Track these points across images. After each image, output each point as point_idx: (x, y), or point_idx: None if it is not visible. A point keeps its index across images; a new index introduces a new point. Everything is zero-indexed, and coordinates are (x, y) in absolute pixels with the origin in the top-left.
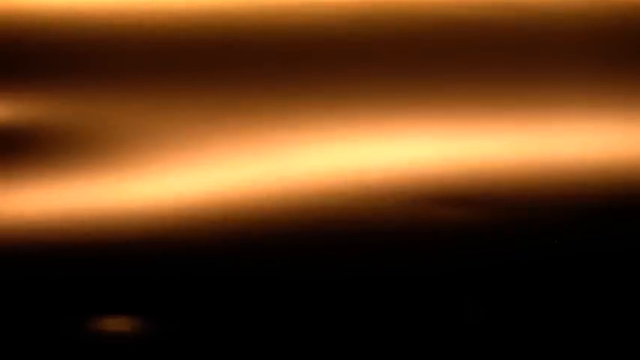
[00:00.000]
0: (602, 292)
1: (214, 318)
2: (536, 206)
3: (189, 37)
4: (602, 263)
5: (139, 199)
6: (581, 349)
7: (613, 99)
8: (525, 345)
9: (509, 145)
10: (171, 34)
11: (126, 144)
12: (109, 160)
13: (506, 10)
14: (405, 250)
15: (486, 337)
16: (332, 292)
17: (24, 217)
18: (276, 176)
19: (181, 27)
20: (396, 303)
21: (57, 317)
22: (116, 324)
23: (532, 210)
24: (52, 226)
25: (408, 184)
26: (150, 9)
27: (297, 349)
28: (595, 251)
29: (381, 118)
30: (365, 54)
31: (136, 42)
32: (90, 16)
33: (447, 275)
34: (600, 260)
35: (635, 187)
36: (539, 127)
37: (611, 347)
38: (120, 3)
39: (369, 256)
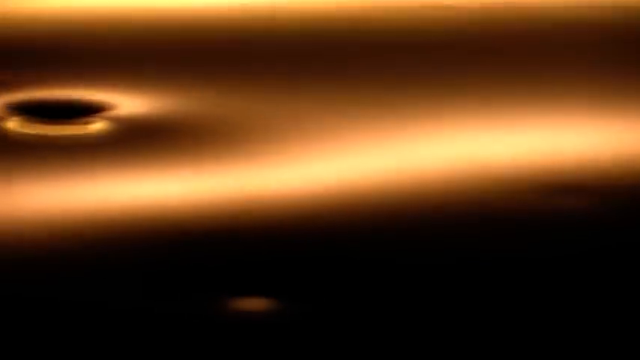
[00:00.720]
0: None
1: (348, 300)
2: None
3: (323, 31)
4: None
5: (280, 186)
6: None
7: None
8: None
9: (620, 136)
10: (305, 30)
11: (269, 133)
12: (253, 148)
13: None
14: (522, 235)
15: (595, 319)
16: (454, 275)
17: (173, 201)
18: (403, 165)
19: (315, 24)
20: (514, 286)
21: (199, 298)
22: (254, 305)
23: None
24: (199, 211)
25: (525, 172)
26: (280, 8)
27: (426, 330)
28: None
29: (500, 110)
30: (482, 49)
31: (273, 36)
32: (227, 18)
33: (559, 259)
34: None
35: None
36: None
37: None
38: (248, 4)
39: (488, 241)
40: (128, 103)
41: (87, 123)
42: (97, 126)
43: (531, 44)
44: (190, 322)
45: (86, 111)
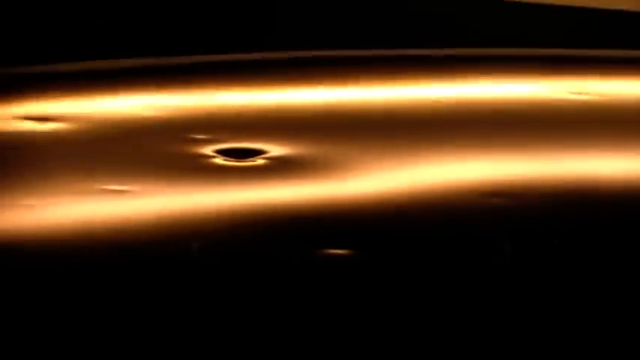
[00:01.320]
0: None
1: None
2: None
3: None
4: None
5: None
6: None
7: None
8: None
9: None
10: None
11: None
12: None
13: None
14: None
15: None
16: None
17: None
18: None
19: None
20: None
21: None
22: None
23: None
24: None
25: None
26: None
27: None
28: None
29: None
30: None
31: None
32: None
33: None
34: None
35: None
36: None
37: None
38: None
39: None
40: (280, 148)
41: (254, 161)
42: (259, 162)
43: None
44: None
45: (253, 153)
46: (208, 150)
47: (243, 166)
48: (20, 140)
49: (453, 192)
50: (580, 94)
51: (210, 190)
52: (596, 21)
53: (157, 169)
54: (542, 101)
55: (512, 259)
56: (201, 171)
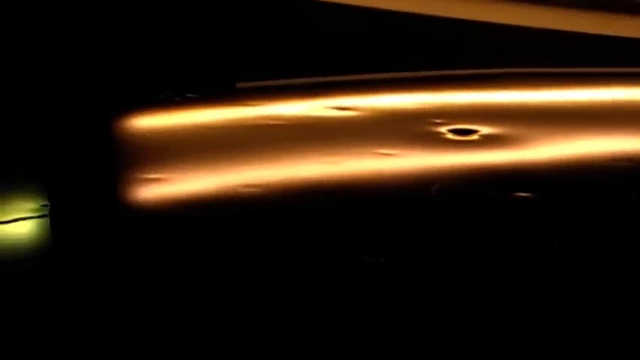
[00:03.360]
0: None
1: None
2: None
3: None
4: None
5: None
6: None
7: None
8: None
9: None
10: None
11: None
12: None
13: None
14: None
15: None
16: None
17: None
18: None
19: None
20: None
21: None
22: None
23: None
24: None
25: None
26: None
27: None
28: None
29: None
30: None
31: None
32: None
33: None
34: None
35: None
36: None
37: None
38: None
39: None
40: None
41: (471, 137)
42: (475, 137)
43: None
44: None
45: (470, 132)
46: (443, 129)
47: (464, 140)
48: (326, 122)
49: (599, 157)
50: None
51: (444, 154)
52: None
53: (411, 141)
54: None
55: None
56: (439, 143)
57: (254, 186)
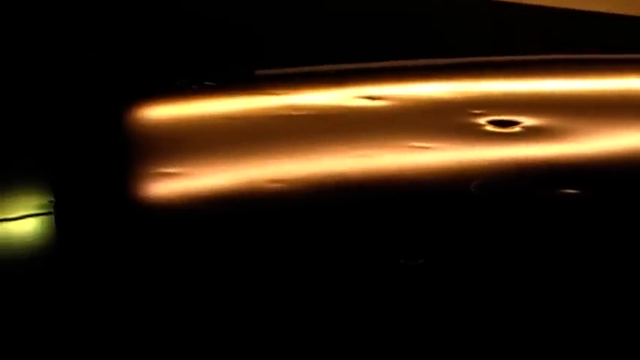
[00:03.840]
0: None
1: None
2: None
3: None
4: None
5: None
6: None
7: None
8: None
9: None
10: None
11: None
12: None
13: None
14: None
15: None
16: None
17: None
18: None
19: None
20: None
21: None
22: None
23: None
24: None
25: None
26: None
27: None
28: None
29: None
30: None
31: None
32: None
33: None
34: None
35: None
36: None
37: None
38: None
39: None
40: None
41: (513, 129)
42: (517, 129)
43: None
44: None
45: (513, 123)
46: (483, 120)
47: (506, 132)
48: (355, 113)
49: None
50: None
51: (483, 148)
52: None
53: (447, 134)
54: None
55: None
56: (478, 135)
57: (280, 181)
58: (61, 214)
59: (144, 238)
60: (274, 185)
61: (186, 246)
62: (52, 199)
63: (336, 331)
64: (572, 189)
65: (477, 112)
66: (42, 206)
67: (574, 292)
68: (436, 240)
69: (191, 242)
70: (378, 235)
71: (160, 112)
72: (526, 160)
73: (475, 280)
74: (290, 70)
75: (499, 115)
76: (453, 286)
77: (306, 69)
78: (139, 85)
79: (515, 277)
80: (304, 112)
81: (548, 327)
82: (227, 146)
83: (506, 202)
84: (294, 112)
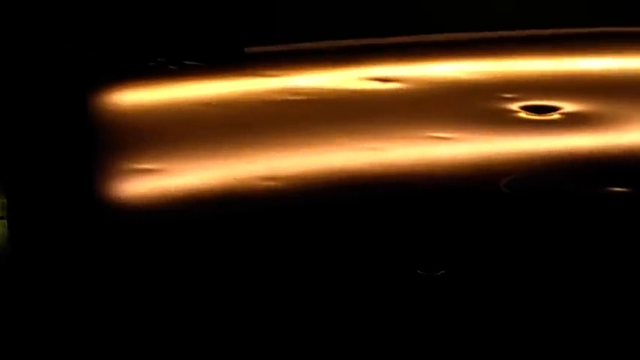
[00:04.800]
0: None
1: None
2: None
3: None
4: None
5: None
6: None
7: None
8: None
9: None
10: None
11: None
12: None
13: None
14: None
15: None
16: None
17: None
18: None
19: None
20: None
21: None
22: None
23: None
24: None
25: None
26: None
27: None
28: None
29: None
30: None
31: None
32: None
33: None
34: None
35: None
36: None
37: None
38: None
39: None
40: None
41: (551, 115)
42: (556, 116)
43: None
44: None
45: (551, 109)
46: (515, 106)
47: (542, 120)
48: (364, 98)
49: None
50: None
51: (516, 138)
52: None
53: (473, 122)
54: None
55: None
56: (509, 123)
57: (274, 179)
58: (15, 217)
59: (113, 244)
60: (267, 183)
61: (161, 254)
62: (5, 200)
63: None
64: (621, 187)
65: (508, 95)
66: None
67: (628, 306)
68: (459, 249)
69: (168, 250)
70: (390, 243)
71: (133, 99)
72: (567, 154)
73: (504, 300)
74: (286, 47)
75: (535, 99)
76: (477, 305)
77: (306, 45)
78: (105, 67)
79: (553, 296)
80: (303, 97)
81: (600, 344)
82: (212, 138)
83: (543, 204)
84: (290, 97)
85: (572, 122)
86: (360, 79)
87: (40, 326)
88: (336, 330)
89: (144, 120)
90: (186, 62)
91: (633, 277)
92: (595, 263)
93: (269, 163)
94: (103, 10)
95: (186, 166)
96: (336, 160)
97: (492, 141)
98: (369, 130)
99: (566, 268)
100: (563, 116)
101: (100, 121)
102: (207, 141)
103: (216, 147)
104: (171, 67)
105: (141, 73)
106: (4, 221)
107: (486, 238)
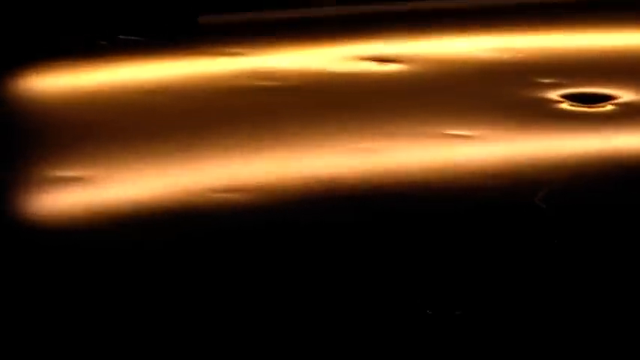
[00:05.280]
0: None
1: None
2: None
3: None
4: None
5: None
6: None
7: None
8: None
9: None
10: None
11: None
12: None
13: None
14: None
15: None
16: None
17: None
18: None
19: None
20: None
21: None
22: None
23: None
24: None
25: None
26: None
27: None
28: None
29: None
30: None
31: None
32: None
33: None
34: None
35: None
36: None
37: None
38: None
39: None
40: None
41: (603, 107)
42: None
43: None
44: None
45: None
46: (555, 95)
47: (590, 113)
48: (357, 83)
49: None
50: None
51: (556, 136)
52: None
53: (501, 115)
54: None
55: None
56: (548, 117)
57: (234, 190)
58: None
59: (24, 271)
60: (226, 196)
61: (82, 287)
62: None
63: None
64: None
65: (546, 81)
66: None
67: None
68: (480, 280)
69: (91, 283)
70: (391, 271)
71: (51, 86)
72: (620, 156)
73: (539, 340)
74: (253, 17)
75: (582, 86)
76: (502, 351)
77: (279, 14)
78: (15, 45)
79: (599, 331)
80: (275, 83)
81: None
82: (154, 137)
83: (590, 224)
84: (259, 83)
85: (630, 115)
86: (350, 58)
87: None
88: None
89: (65, 113)
90: (123, 37)
91: None
92: None
93: (230, 170)
94: None
95: (120, 173)
96: (318, 166)
97: (526, 140)
98: (362, 127)
99: (618, 304)
100: (618, 108)
101: (9, 114)
102: (148, 141)
103: (161, 149)
104: (102, 42)
105: (61, 52)
106: None
107: (517, 267)
